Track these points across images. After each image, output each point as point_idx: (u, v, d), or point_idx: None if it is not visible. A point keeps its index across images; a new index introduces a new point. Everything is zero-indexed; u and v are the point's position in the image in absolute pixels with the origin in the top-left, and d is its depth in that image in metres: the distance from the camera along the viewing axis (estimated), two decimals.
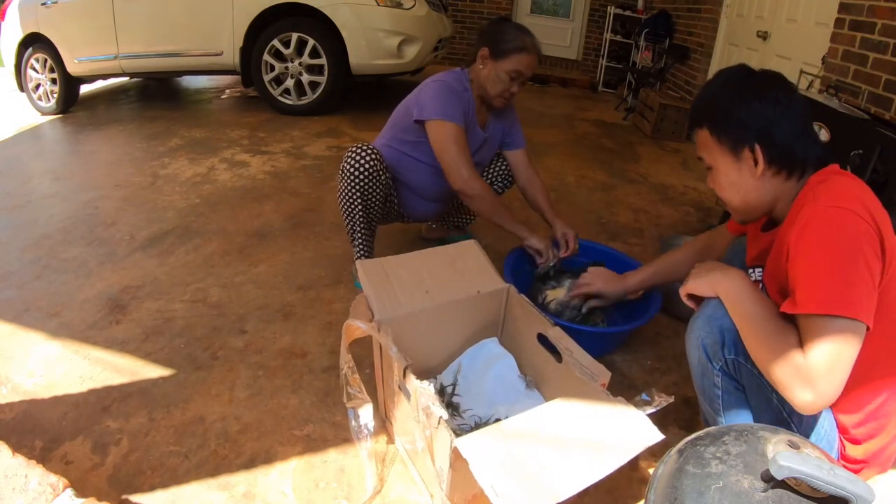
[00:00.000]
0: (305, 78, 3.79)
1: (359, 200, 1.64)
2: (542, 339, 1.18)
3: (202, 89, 5.08)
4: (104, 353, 1.47)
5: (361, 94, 4.72)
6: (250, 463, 1.15)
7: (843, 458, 0.96)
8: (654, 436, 0.84)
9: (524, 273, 1.68)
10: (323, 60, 3.70)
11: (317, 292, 1.80)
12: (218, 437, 1.21)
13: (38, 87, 4.18)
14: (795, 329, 0.84)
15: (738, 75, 0.99)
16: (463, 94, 1.64)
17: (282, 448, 1.19)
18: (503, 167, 1.88)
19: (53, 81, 4.11)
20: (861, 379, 0.88)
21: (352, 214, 1.67)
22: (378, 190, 1.65)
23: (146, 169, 2.88)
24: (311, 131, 3.60)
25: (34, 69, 4.15)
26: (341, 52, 3.67)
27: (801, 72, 2.78)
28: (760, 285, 1.06)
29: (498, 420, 1.12)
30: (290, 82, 3.82)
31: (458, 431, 0.83)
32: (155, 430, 1.22)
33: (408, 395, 0.98)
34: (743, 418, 1.00)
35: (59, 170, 2.91)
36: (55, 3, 3.96)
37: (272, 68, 3.79)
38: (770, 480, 0.69)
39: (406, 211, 1.85)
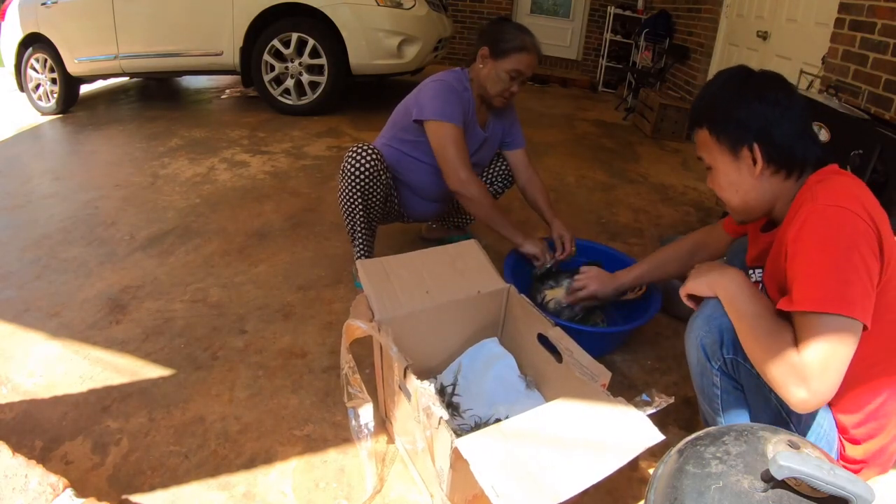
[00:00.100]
0: (305, 78, 3.79)
1: (359, 200, 1.64)
2: (543, 339, 1.18)
3: (202, 89, 5.08)
4: (104, 353, 1.47)
5: (361, 94, 4.72)
6: (250, 463, 1.15)
7: (843, 458, 0.96)
8: (655, 436, 0.84)
9: (524, 273, 1.68)
10: (323, 60, 3.70)
11: (317, 292, 1.80)
12: (218, 437, 1.21)
13: (38, 87, 4.18)
14: (792, 328, 0.84)
15: (738, 76, 0.99)
16: (463, 94, 1.64)
17: (282, 448, 1.19)
18: (503, 167, 1.88)
19: (53, 81, 4.11)
20: (860, 379, 0.88)
21: (352, 214, 1.67)
22: (378, 190, 1.65)
23: (146, 169, 2.88)
24: (311, 131, 3.60)
25: (34, 69, 4.15)
26: (341, 52, 3.67)
27: (801, 72, 2.78)
28: (760, 286, 1.06)
29: (498, 420, 1.12)
30: (290, 82, 3.82)
31: (459, 431, 0.83)
32: (155, 430, 1.22)
33: (408, 395, 0.98)
34: (742, 418, 1.00)
35: (59, 170, 2.91)
36: (55, 3, 3.95)
37: (272, 68, 3.79)
38: (770, 480, 0.69)
39: (406, 211, 1.85)
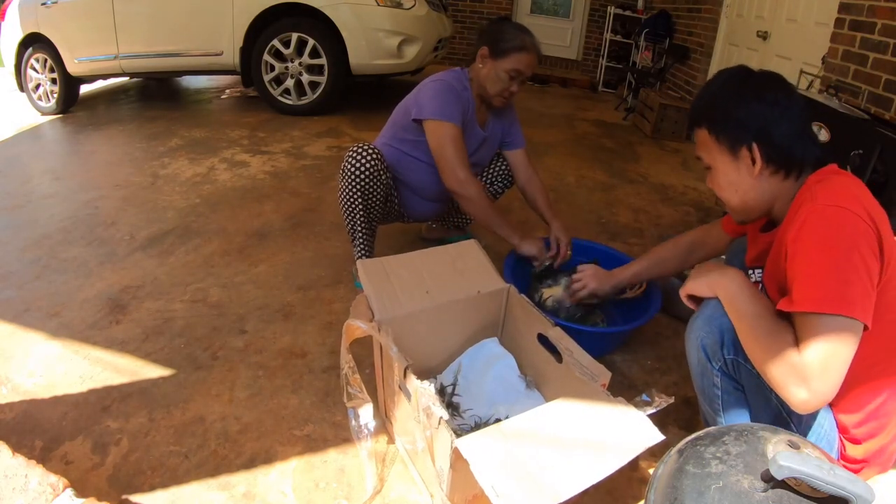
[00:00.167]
0: (305, 78, 3.79)
1: (359, 200, 1.64)
2: (543, 339, 1.18)
3: (202, 89, 5.08)
4: (104, 353, 1.47)
5: (361, 94, 4.72)
6: (250, 463, 1.15)
7: (844, 457, 0.96)
8: (655, 436, 0.84)
9: (524, 273, 1.68)
10: (323, 60, 3.70)
11: (317, 292, 1.80)
12: (218, 437, 1.21)
13: (38, 87, 4.18)
14: (792, 328, 0.84)
15: (738, 76, 0.99)
16: (462, 94, 1.64)
17: (282, 448, 1.19)
18: (503, 167, 1.88)
19: (53, 81, 4.11)
20: (861, 378, 0.88)
21: (352, 214, 1.67)
22: (379, 189, 1.65)
23: (146, 169, 2.88)
24: (311, 131, 3.60)
25: (34, 69, 4.15)
26: (341, 52, 3.67)
27: (801, 72, 2.78)
28: (760, 286, 1.06)
29: (498, 420, 1.12)
30: (290, 82, 3.82)
31: (459, 431, 0.83)
32: (155, 430, 1.22)
33: (408, 396, 0.98)
34: (743, 418, 1.00)
35: (59, 170, 2.91)
36: (55, 3, 3.95)
37: (272, 68, 3.79)
38: (770, 480, 0.69)
39: (406, 211, 1.85)
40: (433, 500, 1.05)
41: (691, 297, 1.03)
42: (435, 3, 4.21)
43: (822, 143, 1.91)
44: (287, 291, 1.79)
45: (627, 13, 5.92)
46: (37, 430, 1.21)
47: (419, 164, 1.71)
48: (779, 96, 0.94)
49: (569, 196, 2.80)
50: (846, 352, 0.79)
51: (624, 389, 1.44)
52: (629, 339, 1.64)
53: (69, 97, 4.18)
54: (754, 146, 0.95)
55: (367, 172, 1.61)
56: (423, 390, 0.90)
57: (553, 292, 1.59)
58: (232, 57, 3.80)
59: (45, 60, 4.09)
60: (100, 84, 5.03)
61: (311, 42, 3.65)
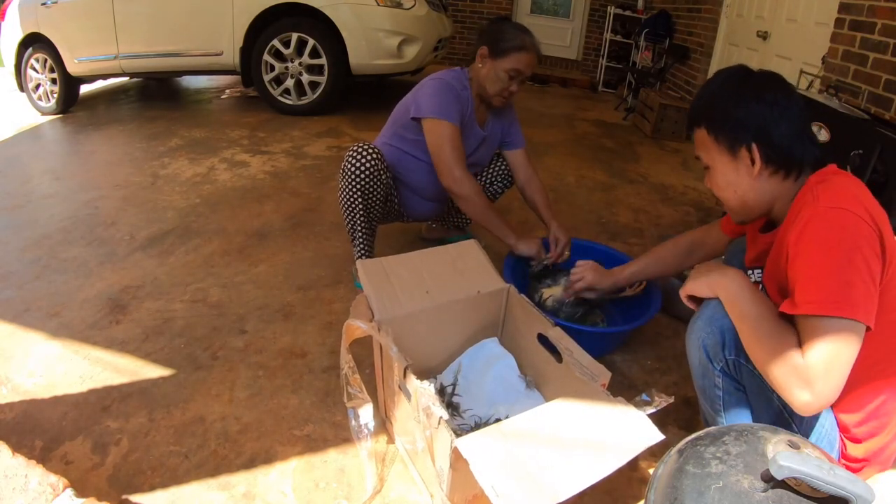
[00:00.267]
0: (305, 78, 3.79)
1: (359, 200, 1.64)
2: (542, 339, 1.18)
3: (202, 89, 5.08)
4: (104, 353, 1.47)
5: (361, 94, 4.72)
6: (250, 463, 1.15)
7: (845, 456, 0.97)
8: (654, 436, 0.84)
9: (524, 273, 1.68)
10: (323, 60, 3.70)
11: (317, 292, 1.80)
12: (218, 437, 1.21)
13: (38, 87, 4.18)
14: (794, 330, 0.84)
15: (737, 75, 0.99)
16: (462, 93, 1.64)
17: (282, 448, 1.19)
18: (503, 167, 1.88)
19: (53, 81, 4.11)
20: (862, 378, 0.88)
21: (352, 214, 1.67)
22: (379, 189, 1.65)
23: (146, 169, 2.88)
24: (311, 131, 3.60)
25: (34, 69, 4.15)
26: (341, 52, 3.67)
27: (801, 72, 2.78)
28: (760, 286, 1.06)
29: (498, 420, 1.12)
30: (290, 82, 3.82)
31: (459, 431, 0.83)
32: (155, 430, 1.22)
33: (408, 395, 0.98)
34: (743, 418, 1.00)
35: (59, 170, 2.91)
36: (55, 3, 3.95)
37: (272, 68, 3.79)
38: (770, 480, 0.69)
39: (406, 210, 1.85)
40: (433, 500, 1.05)
41: (691, 298, 1.03)
42: (435, 3, 4.21)
43: (822, 143, 1.91)
44: (287, 291, 1.79)
45: (627, 13, 5.92)
46: (37, 430, 1.21)
47: (419, 164, 1.72)
48: (778, 96, 0.94)
49: (569, 196, 2.80)
50: (849, 354, 0.79)
51: (624, 389, 1.44)
52: (629, 339, 1.64)
53: (69, 97, 4.18)
54: (754, 146, 0.95)
55: (367, 172, 1.61)
56: (423, 390, 0.90)
57: (553, 292, 1.60)
58: (232, 57, 3.80)
59: (45, 60, 4.09)
60: (100, 84, 5.03)
61: (311, 42, 3.65)
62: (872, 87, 2.42)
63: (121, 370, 1.41)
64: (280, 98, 3.90)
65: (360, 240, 1.72)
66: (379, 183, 1.64)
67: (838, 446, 0.96)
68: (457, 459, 0.82)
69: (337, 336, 1.37)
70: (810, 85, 2.75)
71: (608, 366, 1.05)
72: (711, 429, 0.84)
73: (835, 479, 0.64)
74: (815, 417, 0.94)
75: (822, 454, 0.72)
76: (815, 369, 0.78)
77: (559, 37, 6.72)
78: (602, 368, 1.01)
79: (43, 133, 3.74)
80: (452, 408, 1.21)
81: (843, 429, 0.96)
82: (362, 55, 3.68)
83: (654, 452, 1.11)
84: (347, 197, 1.65)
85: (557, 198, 2.71)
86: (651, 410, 0.88)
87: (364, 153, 1.61)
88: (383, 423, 1.26)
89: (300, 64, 3.74)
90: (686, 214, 2.70)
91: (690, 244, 1.41)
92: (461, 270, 1.29)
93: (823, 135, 1.92)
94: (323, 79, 3.77)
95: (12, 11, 4.15)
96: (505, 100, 1.67)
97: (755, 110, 0.94)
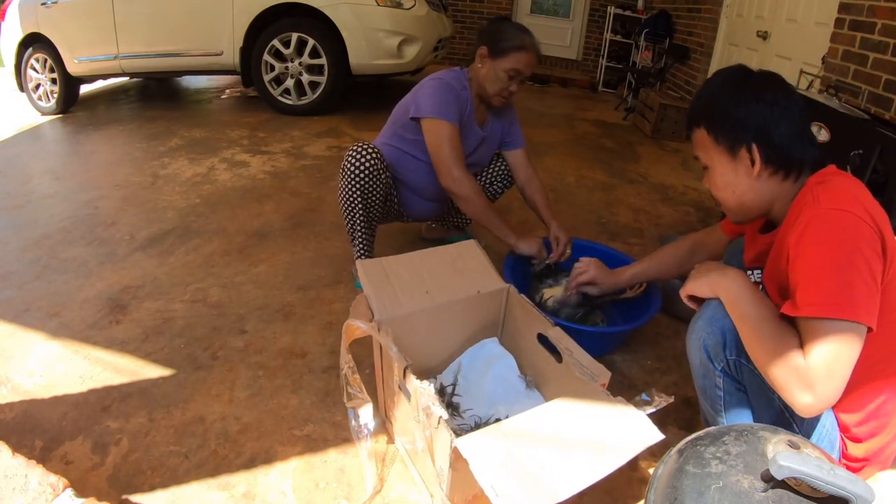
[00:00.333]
0: (305, 78, 3.79)
1: (359, 199, 1.64)
2: (542, 339, 1.18)
3: (202, 89, 5.08)
4: (104, 353, 1.47)
5: (361, 94, 4.72)
6: (250, 463, 1.15)
7: (845, 456, 0.97)
8: (654, 436, 0.84)
9: (524, 273, 1.68)
10: (323, 60, 3.70)
11: (317, 292, 1.80)
12: (218, 437, 1.21)
13: (38, 87, 4.18)
14: (795, 331, 0.84)
15: (737, 75, 0.99)
16: (461, 93, 1.64)
17: (282, 448, 1.19)
18: (503, 167, 1.88)
19: (53, 81, 4.11)
20: (862, 378, 0.88)
21: (352, 213, 1.67)
22: (378, 189, 1.65)
23: (146, 169, 2.88)
24: (311, 131, 3.60)
25: (34, 69, 4.15)
26: (341, 52, 3.67)
27: (801, 72, 2.78)
28: (759, 287, 1.06)
29: (498, 420, 1.12)
30: (290, 82, 3.82)
31: (458, 431, 0.83)
32: (155, 430, 1.22)
33: (408, 395, 0.98)
34: (744, 419, 1.00)
35: (59, 170, 2.91)
36: (55, 3, 3.95)
37: (272, 68, 3.79)
38: (770, 480, 0.69)
39: (406, 210, 1.85)
40: (433, 499, 1.05)
41: (692, 298, 1.03)
42: (435, 3, 4.21)
43: (822, 143, 1.91)
44: (287, 291, 1.79)
45: (627, 13, 5.92)
46: (37, 430, 1.21)
47: (418, 164, 1.71)
48: (778, 96, 0.94)
49: (569, 196, 2.80)
50: (850, 355, 0.79)
51: (624, 389, 1.44)
52: (629, 339, 1.64)
53: (69, 97, 4.18)
54: (754, 147, 0.95)
55: (366, 171, 1.61)
56: (423, 390, 0.90)
57: (554, 292, 1.60)
58: (232, 57, 3.80)
59: (45, 60, 4.09)
60: (100, 84, 5.03)
61: (311, 42, 3.65)
62: (872, 87, 2.42)
63: (121, 370, 1.41)
64: (280, 98, 3.90)
65: (360, 239, 1.72)
66: (378, 182, 1.64)
67: (839, 446, 0.96)
68: (457, 459, 0.82)
69: (337, 336, 1.37)
70: (810, 85, 2.75)
71: (608, 366, 1.05)
72: (711, 429, 0.84)
73: (835, 479, 0.64)
74: (816, 418, 0.94)
75: (823, 454, 0.72)
76: (816, 371, 0.78)
77: (559, 37, 6.72)
78: (602, 368, 1.00)
79: (43, 133, 3.74)
80: (452, 408, 1.21)
81: (844, 429, 0.96)
82: (362, 55, 3.68)
83: (654, 452, 1.11)
84: (347, 196, 1.65)
85: (557, 198, 2.71)
86: (651, 410, 0.88)
87: (363, 153, 1.61)
88: (383, 423, 1.26)
89: (300, 64, 3.74)
90: (686, 214, 2.70)
91: (692, 246, 1.41)
92: (461, 270, 1.29)
93: (823, 135, 1.92)
94: (323, 79, 3.77)
95: (12, 11, 4.15)
96: (504, 100, 1.67)
97: (755, 110, 0.94)
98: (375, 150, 1.64)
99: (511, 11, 6.61)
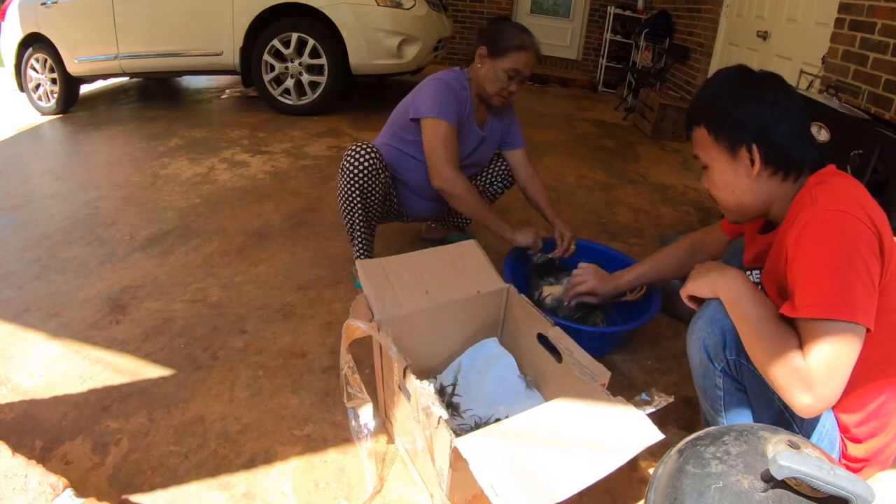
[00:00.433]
0: (305, 78, 3.79)
1: (358, 199, 1.64)
2: (542, 339, 1.18)
3: (202, 89, 5.08)
4: (104, 353, 1.47)
5: (361, 94, 4.72)
6: (250, 463, 1.15)
7: (845, 456, 0.97)
8: (654, 436, 0.84)
9: (524, 273, 1.68)
10: (323, 60, 3.70)
11: (317, 292, 1.80)
12: (218, 437, 1.21)
13: (38, 87, 4.18)
14: (795, 332, 0.84)
15: (738, 75, 0.99)
16: (460, 93, 1.64)
17: (282, 448, 1.19)
18: (503, 167, 1.88)
19: (53, 81, 4.11)
20: (862, 378, 0.88)
21: (351, 213, 1.67)
22: (377, 188, 1.65)
23: (146, 169, 2.88)
24: (311, 131, 3.60)
25: (34, 69, 4.15)
26: (341, 52, 3.67)
27: (801, 72, 2.78)
28: (759, 287, 1.06)
29: (498, 420, 1.12)
30: (290, 82, 3.82)
31: (458, 431, 0.83)
32: (155, 430, 1.22)
33: (408, 395, 0.98)
34: (744, 419, 1.00)
35: (59, 170, 2.91)
36: (55, 3, 3.95)
37: (272, 68, 3.79)
38: (770, 480, 0.69)
39: (405, 210, 1.85)
40: (433, 499, 1.05)
41: (692, 298, 1.03)
42: (435, 3, 4.21)
43: (822, 143, 1.91)
44: (287, 291, 1.79)
45: (627, 13, 5.92)
46: (37, 430, 1.21)
47: (418, 164, 1.71)
48: (778, 97, 0.94)
49: (569, 196, 2.80)
50: (850, 356, 0.79)
51: (624, 389, 1.44)
52: (629, 339, 1.64)
53: (69, 97, 4.18)
54: (753, 147, 0.95)
55: (365, 171, 1.61)
56: (423, 390, 0.90)
57: (553, 290, 1.59)
58: (232, 57, 3.80)
59: (45, 60, 4.09)
60: (100, 84, 5.03)
61: (311, 42, 3.65)
62: (872, 87, 2.42)
63: (121, 370, 1.41)
64: (280, 98, 3.90)
65: (360, 239, 1.72)
66: (377, 182, 1.64)
67: (839, 446, 0.96)
68: (456, 459, 0.82)
69: (337, 336, 1.37)
70: (810, 85, 2.75)
71: (608, 366, 1.05)
72: (711, 429, 0.84)
73: (835, 479, 0.64)
74: (816, 418, 0.94)
75: (823, 454, 0.72)
76: (816, 372, 0.78)
77: (559, 37, 6.72)
78: (602, 368, 1.00)
79: (43, 133, 3.74)
80: (452, 408, 1.21)
81: (844, 429, 0.96)
82: (362, 55, 3.68)
83: (654, 452, 1.11)
84: (346, 196, 1.65)
85: (558, 198, 2.71)
86: (651, 410, 0.88)
87: (362, 152, 1.61)
88: (383, 423, 1.26)
89: (300, 64, 3.74)
90: (686, 214, 2.70)
91: (691, 247, 1.41)
92: (461, 270, 1.29)
93: (823, 135, 1.92)
94: (323, 79, 3.77)
95: (12, 11, 4.15)
96: (504, 100, 1.67)
97: (755, 110, 0.94)
98: (374, 149, 1.64)
99: (511, 11, 6.61)
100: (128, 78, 4.75)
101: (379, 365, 1.18)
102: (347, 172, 1.62)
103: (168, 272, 1.88)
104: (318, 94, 3.84)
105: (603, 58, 6.14)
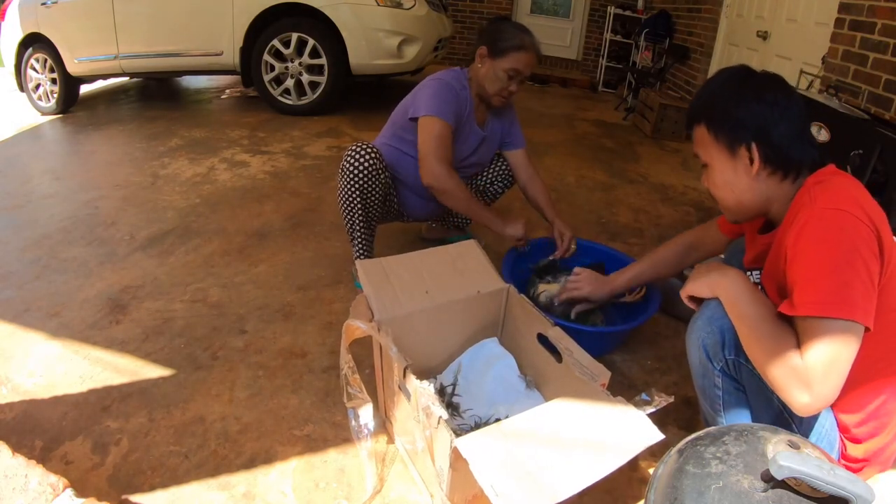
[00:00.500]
0: (305, 78, 3.79)
1: (358, 199, 1.64)
2: (542, 339, 1.18)
3: (202, 89, 5.08)
4: (104, 353, 1.47)
5: (361, 94, 4.72)
6: (250, 463, 1.15)
7: (845, 457, 0.97)
8: (654, 436, 0.84)
9: (523, 272, 1.68)
10: (323, 60, 3.70)
11: (317, 292, 1.80)
12: (218, 437, 1.21)
13: (38, 87, 4.18)
14: (793, 331, 0.84)
15: (738, 75, 0.99)
16: (461, 93, 1.64)
17: (282, 448, 1.19)
18: (503, 167, 1.88)
19: (53, 81, 4.11)
20: (861, 378, 0.88)
21: (351, 213, 1.67)
22: (377, 188, 1.65)
23: (146, 169, 2.88)
24: (311, 131, 3.60)
25: (34, 69, 4.15)
26: (341, 52, 3.67)
27: (801, 72, 2.78)
28: (759, 287, 1.06)
29: (498, 420, 1.12)
30: (290, 82, 3.82)
31: (458, 431, 0.83)
32: (155, 430, 1.22)
33: (408, 395, 0.98)
34: (743, 418, 1.00)
35: (59, 170, 2.91)
36: (55, 3, 3.95)
37: (272, 68, 3.79)
38: (770, 480, 0.69)
39: (405, 210, 1.85)
40: (433, 499, 1.05)
41: (692, 298, 1.03)
42: (435, 3, 4.21)
43: (822, 143, 1.91)
44: (287, 291, 1.79)
45: (627, 13, 5.92)
46: (37, 430, 1.21)
47: (417, 164, 1.71)
48: (778, 97, 0.95)
49: (569, 196, 2.80)
50: (848, 355, 0.79)
51: (624, 389, 1.44)
52: (629, 339, 1.63)
53: (69, 97, 4.18)
54: (753, 146, 0.95)
55: (365, 171, 1.61)
56: (423, 390, 0.90)
57: (549, 288, 1.59)
58: (232, 57, 3.80)
59: (45, 60, 4.09)
60: (100, 84, 5.03)
61: (311, 42, 3.65)
62: (872, 87, 2.42)
63: (121, 370, 1.41)
64: (280, 98, 3.90)
65: (360, 239, 1.72)
66: (377, 182, 1.64)
67: (838, 446, 0.96)
68: (456, 459, 0.82)
69: (337, 336, 1.37)
70: (810, 85, 2.75)
71: (608, 366, 1.05)
72: (711, 429, 0.84)
73: (835, 479, 0.64)
74: (815, 417, 0.94)
75: (823, 454, 0.72)
76: (814, 370, 0.78)
77: (559, 37, 6.72)
78: (602, 368, 1.01)
79: (43, 133, 3.74)
80: (452, 408, 1.21)
81: (843, 429, 0.96)
82: (362, 55, 3.68)
83: (654, 452, 1.11)
84: (346, 196, 1.65)
85: (558, 198, 2.70)
86: (651, 410, 0.88)
87: (362, 152, 1.61)
88: (383, 423, 1.26)
89: (300, 64, 3.74)
90: (686, 214, 2.70)
91: (687, 245, 1.41)
92: (461, 270, 1.29)
93: (823, 135, 1.92)
94: (323, 79, 3.77)
95: (12, 11, 4.15)
96: (504, 99, 1.67)
97: (755, 110, 0.95)
98: (374, 149, 1.64)
99: (511, 11, 6.61)
100: (128, 78, 4.75)
101: (379, 365, 1.18)
102: (347, 172, 1.62)
103: (168, 272, 1.88)
104: (318, 94, 3.84)
105: (603, 58, 6.14)
